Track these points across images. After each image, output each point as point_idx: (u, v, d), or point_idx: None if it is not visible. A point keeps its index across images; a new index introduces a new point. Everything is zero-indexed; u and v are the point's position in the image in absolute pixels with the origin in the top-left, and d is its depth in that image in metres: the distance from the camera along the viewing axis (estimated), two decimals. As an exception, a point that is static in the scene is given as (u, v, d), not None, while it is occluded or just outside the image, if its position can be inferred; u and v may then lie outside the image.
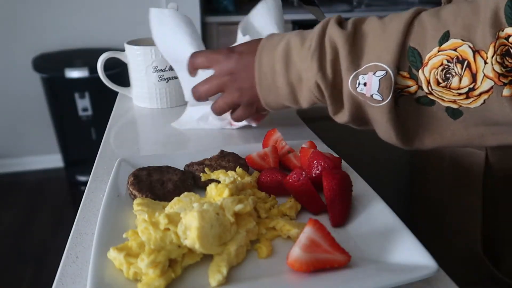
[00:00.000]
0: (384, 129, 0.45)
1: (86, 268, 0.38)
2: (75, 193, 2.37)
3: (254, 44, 0.56)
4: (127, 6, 2.36)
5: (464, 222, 0.64)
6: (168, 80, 0.81)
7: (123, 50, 0.83)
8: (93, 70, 2.01)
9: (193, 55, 0.62)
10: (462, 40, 0.37)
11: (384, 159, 0.95)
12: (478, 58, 0.37)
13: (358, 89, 0.44)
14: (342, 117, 0.48)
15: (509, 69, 0.36)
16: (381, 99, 0.42)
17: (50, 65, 2.13)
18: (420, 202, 0.78)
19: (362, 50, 0.44)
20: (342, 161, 0.53)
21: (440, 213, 0.71)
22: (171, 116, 0.80)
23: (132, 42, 0.83)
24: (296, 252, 0.35)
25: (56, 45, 2.34)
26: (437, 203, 0.71)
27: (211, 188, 0.43)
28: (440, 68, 0.39)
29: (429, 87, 0.40)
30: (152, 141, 0.71)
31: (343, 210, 0.43)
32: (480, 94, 0.38)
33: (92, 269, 0.34)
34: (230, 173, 0.48)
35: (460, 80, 0.38)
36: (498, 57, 0.36)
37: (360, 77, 0.43)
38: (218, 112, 0.63)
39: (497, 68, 0.36)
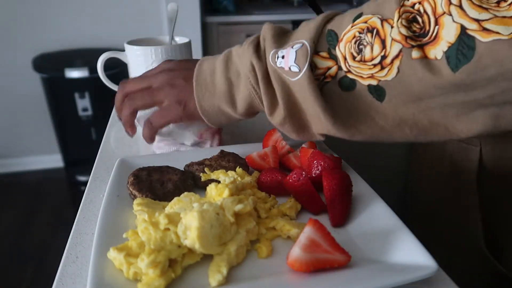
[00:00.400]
0: (317, 118, 0.45)
1: (86, 268, 0.38)
2: (75, 193, 2.37)
3: (192, 62, 0.57)
4: (127, 6, 2.36)
5: (464, 221, 0.64)
6: (168, 80, 0.81)
7: (123, 50, 0.83)
8: (93, 70, 2.01)
9: (121, 83, 0.59)
10: (373, 14, 0.40)
11: (384, 159, 0.95)
12: (386, 24, 0.39)
13: (277, 63, 0.45)
14: (278, 114, 0.48)
15: (417, 34, 0.37)
16: (298, 70, 0.43)
17: (50, 65, 2.13)
18: (421, 201, 0.78)
19: (287, 38, 0.47)
20: (342, 161, 0.53)
21: (440, 212, 0.71)
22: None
23: (132, 42, 0.83)
24: (296, 252, 0.35)
25: (56, 45, 2.34)
26: (437, 202, 0.71)
27: (211, 188, 0.43)
28: (353, 41, 0.41)
29: (346, 64, 0.42)
30: (152, 141, 0.71)
31: (343, 210, 0.43)
32: (392, 60, 0.38)
33: (92, 269, 0.34)
34: (230, 173, 0.48)
35: (372, 49, 0.39)
36: (403, 21, 0.37)
37: (279, 51, 0.45)
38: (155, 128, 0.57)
39: (403, 30, 0.37)
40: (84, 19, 2.35)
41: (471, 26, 0.34)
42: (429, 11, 0.36)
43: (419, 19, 0.37)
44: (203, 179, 0.49)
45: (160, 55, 0.78)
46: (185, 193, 0.43)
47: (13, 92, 2.40)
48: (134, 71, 0.82)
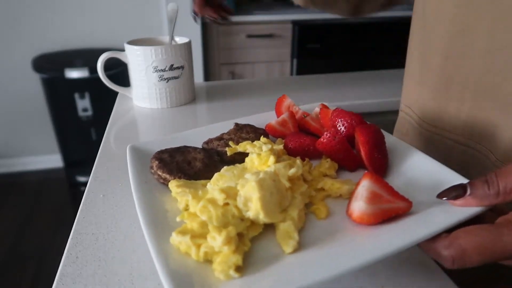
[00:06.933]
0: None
1: (86, 268, 0.34)
2: (75, 193, 2.22)
3: None
4: (127, 6, 2.19)
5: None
6: (168, 80, 0.74)
7: (123, 50, 0.75)
8: (93, 70, 1.85)
9: None
10: None
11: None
12: None
13: None
14: None
15: None
16: None
17: (50, 65, 1.95)
18: None
19: None
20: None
21: None
22: (171, 116, 0.73)
23: (132, 42, 0.76)
24: (361, 206, 0.30)
25: (56, 45, 2.15)
26: None
27: (251, 159, 0.38)
28: None
29: None
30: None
31: (383, 160, 0.38)
32: None
33: (159, 262, 0.27)
34: (257, 143, 0.42)
35: None
36: None
37: None
38: None
39: None
40: (84, 19, 2.16)
41: None
42: None
43: None
44: (229, 153, 0.43)
45: (160, 55, 0.71)
46: (225, 167, 0.37)
47: (13, 92, 2.21)
48: (134, 71, 0.74)
